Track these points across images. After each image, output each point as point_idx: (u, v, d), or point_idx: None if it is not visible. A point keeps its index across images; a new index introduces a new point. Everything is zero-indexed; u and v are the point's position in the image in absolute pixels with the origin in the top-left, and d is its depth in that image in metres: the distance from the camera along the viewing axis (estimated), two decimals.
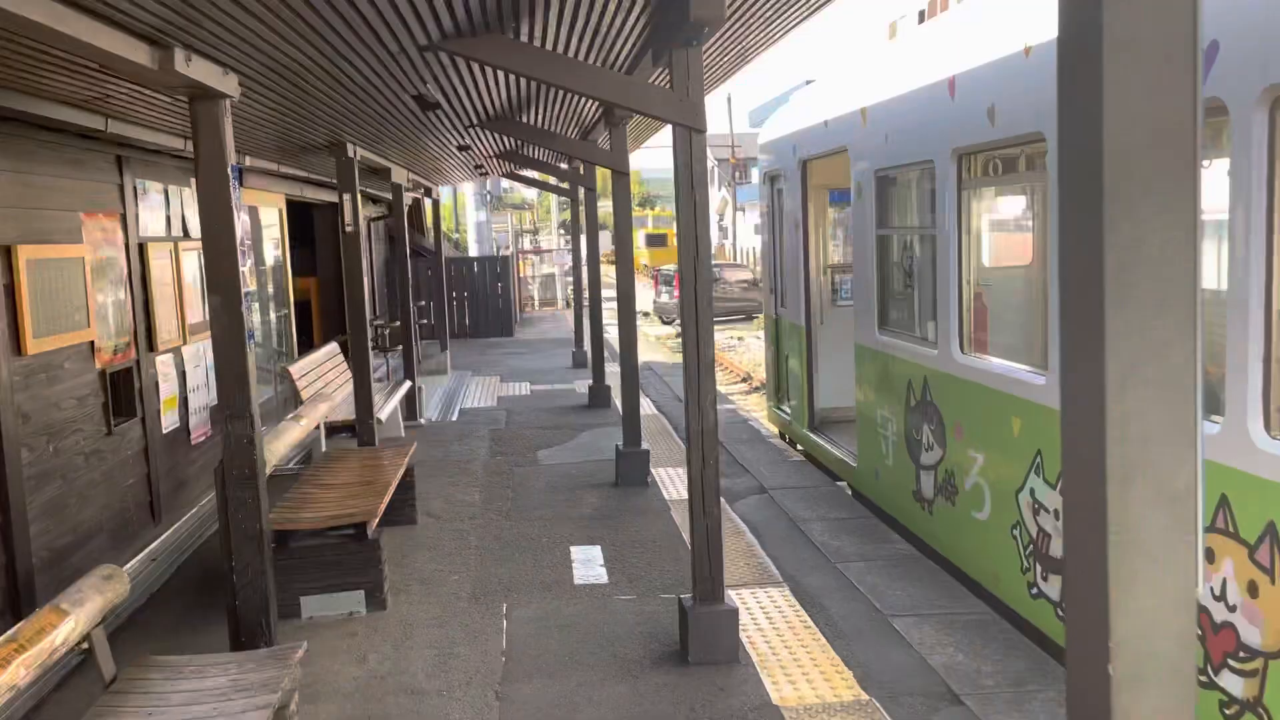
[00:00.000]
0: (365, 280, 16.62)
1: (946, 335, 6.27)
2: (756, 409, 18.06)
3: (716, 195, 72.95)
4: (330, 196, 14.41)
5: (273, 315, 11.16)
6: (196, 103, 4.54)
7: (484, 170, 14.34)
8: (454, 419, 11.88)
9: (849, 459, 8.47)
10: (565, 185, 15.80)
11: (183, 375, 8.15)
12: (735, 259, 60.13)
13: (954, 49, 6.24)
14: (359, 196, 8.03)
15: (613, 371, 13.27)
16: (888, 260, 7.58)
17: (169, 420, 7.81)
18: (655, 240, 59.43)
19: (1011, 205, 6.18)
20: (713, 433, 5.04)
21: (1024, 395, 5.30)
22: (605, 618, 5.66)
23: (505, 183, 28.00)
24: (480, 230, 23.72)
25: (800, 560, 6.55)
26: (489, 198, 23.36)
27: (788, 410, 10.47)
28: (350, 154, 7.93)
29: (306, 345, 16.31)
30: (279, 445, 5.83)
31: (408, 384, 10.99)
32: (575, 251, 16.20)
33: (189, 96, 4.51)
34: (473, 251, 23.62)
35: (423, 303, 16.63)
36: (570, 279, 31.66)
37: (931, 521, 6.65)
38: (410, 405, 11.49)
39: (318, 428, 7.61)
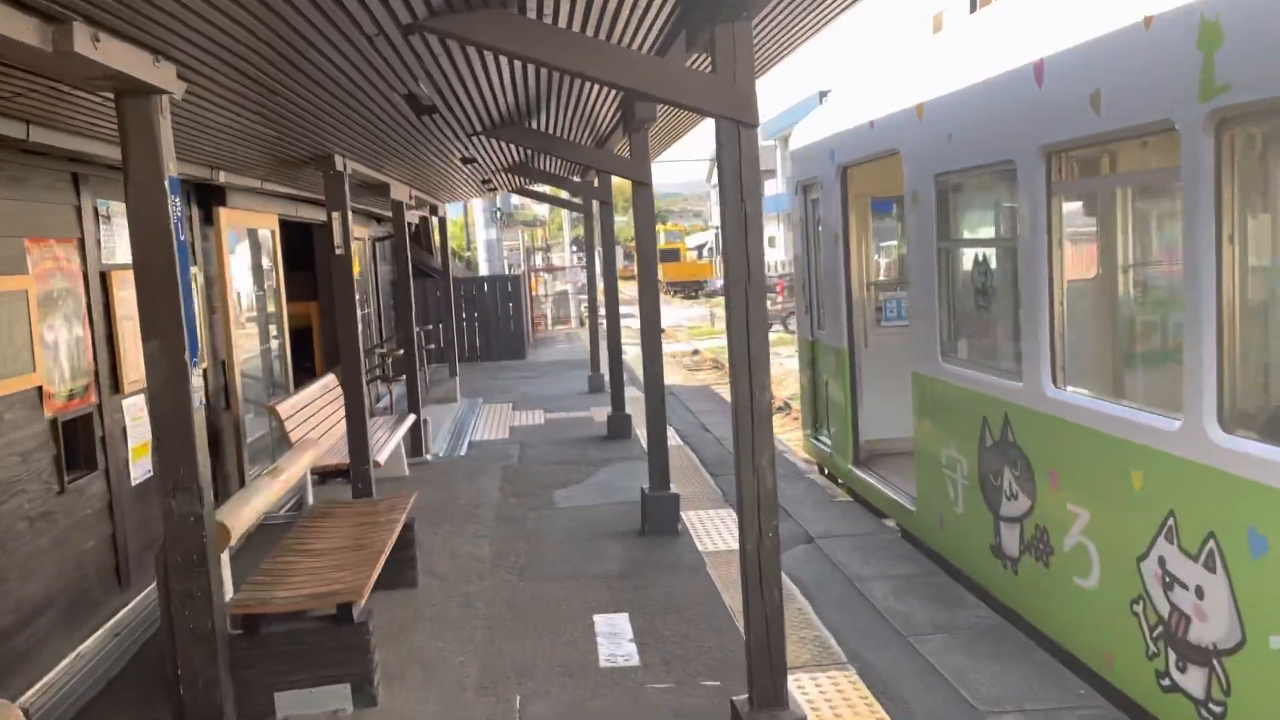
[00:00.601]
0: (372, 302, 15.78)
1: (1034, 365, 5.31)
2: (786, 434, 17.07)
3: None
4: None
5: (267, 344, 10.30)
6: (123, 100, 3.64)
7: (492, 185, 13.47)
8: (463, 454, 10.96)
9: (905, 501, 7.49)
10: (578, 200, 14.92)
11: None
12: None
13: (1039, 29, 5.30)
14: (349, 214, 7.15)
15: (632, 396, 12.34)
16: (951, 277, 6.63)
17: (141, 469, 6.93)
18: (667, 255, 58.48)
19: (1129, 209, 5.22)
20: (771, 499, 4.11)
21: (1150, 443, 4.34)
22: (639, 714, 4.70)
23: (516, 199, 27.20)
24: (490, 248, 22.83)
25: (864, 632, 5.57)
26: (499, 215, 22.49)
27: (827, 441, 9.50)
28: (339, 167, 7.06)
29: (309, 374, 15.47)
30: (246, 511, 4.91)
31: (411, 418, 10.08)
32: (590, 268, 15.30)
33: (114, 92, 3.62)
34: (483, 270, 22.76)
35: (430, 326, 15.74)
36: (584, 296, 30.81)
37: (1017, 584, 5.67)
38: (415, 439, 10.59)
39: (309, 476, 6.71)
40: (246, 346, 9.48)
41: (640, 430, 11.50)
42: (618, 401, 11.37)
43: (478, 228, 22.28)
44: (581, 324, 29.98)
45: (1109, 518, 4.72)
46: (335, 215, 7.06)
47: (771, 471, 4.09)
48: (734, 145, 3.82)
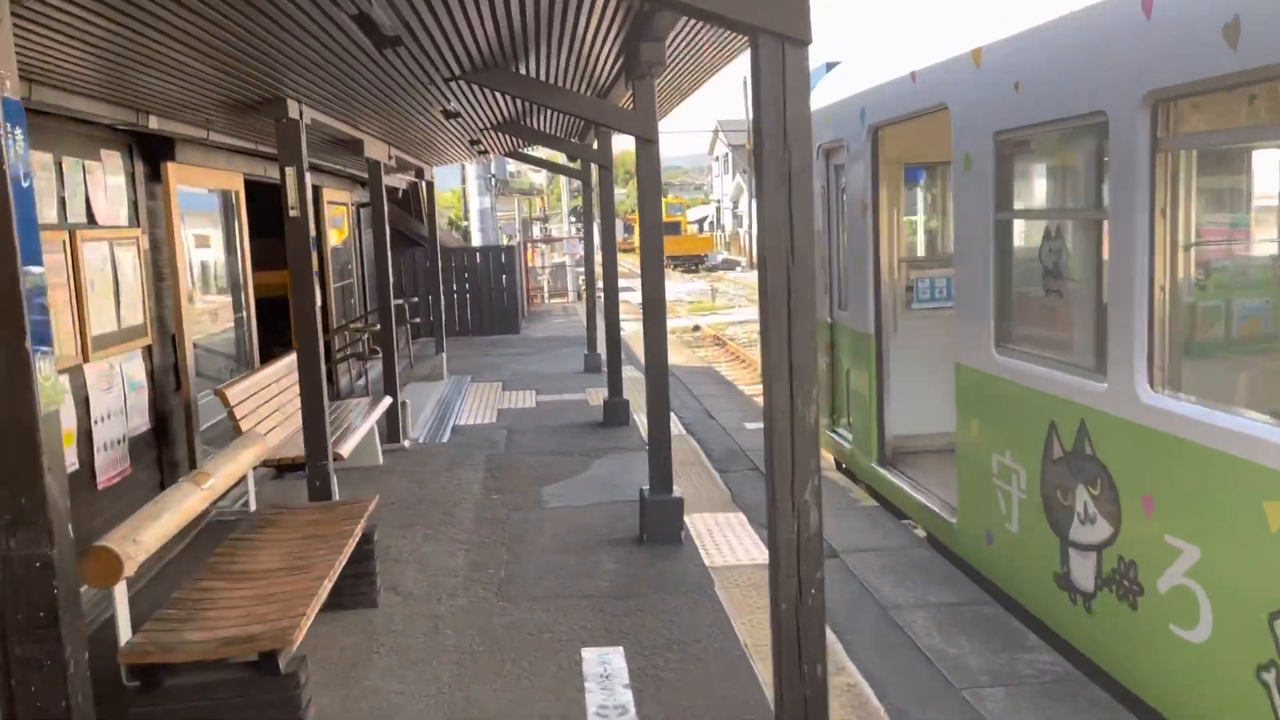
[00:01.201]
0: (355, 272, 14.77)
1: (1125, 363, 4.33)
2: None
3: (731, 183, 70.76)
4: (311, 179, 12.53)
5: (232, 317, 9.31)
6: None
7: (482, 147, 12.42)
8: (445, 440, 10.00)
9: (941, 510, 6.55)
10: (576, 165, 13.88)
11: (86, 402, 6.31)
12: (750, 250, 58.10)
13: None
14: (306, 170, 6.14)
15: (630, 377, 11.36)
16: (1011, 254, 5.64)
17: None
18: (668, 228, 57.37)
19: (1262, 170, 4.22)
20: (815, 545, 3.17)
21: None
22: None
23: (512, 166, 26.06)
24: (484, 218, 21.71)
25: (909, 680, 4.64)
26: (494, 182, 21.38)
27: (846, 435, 8.54)
28: (294, 114, 6.04)
29: (286, 348, 14.49)
30: (150, 534, 3.92)
31: (387, 401, 9.11)
32: (587, 239, 14.28)
33: None
34: (476, 240, 21.70)
35: (415, 299, 14.73)
36: (582, 269, 29.74)
37: (1091, 625, 4.72)
38: (393, 424, 9.62)
39: (251, 477, 5.74)
40: (203, 320, 8.49)
41: (639, 416, 10.54)
42: (615, 384, 10.40)
43: (471, 196, 21.17)
44: (579, 298, 28.96)
45: (1228, 559, 3.77)
46: (289, 171, 6.05)
47: (817, 508, 3.14)
48: (776, 69, 2.83)
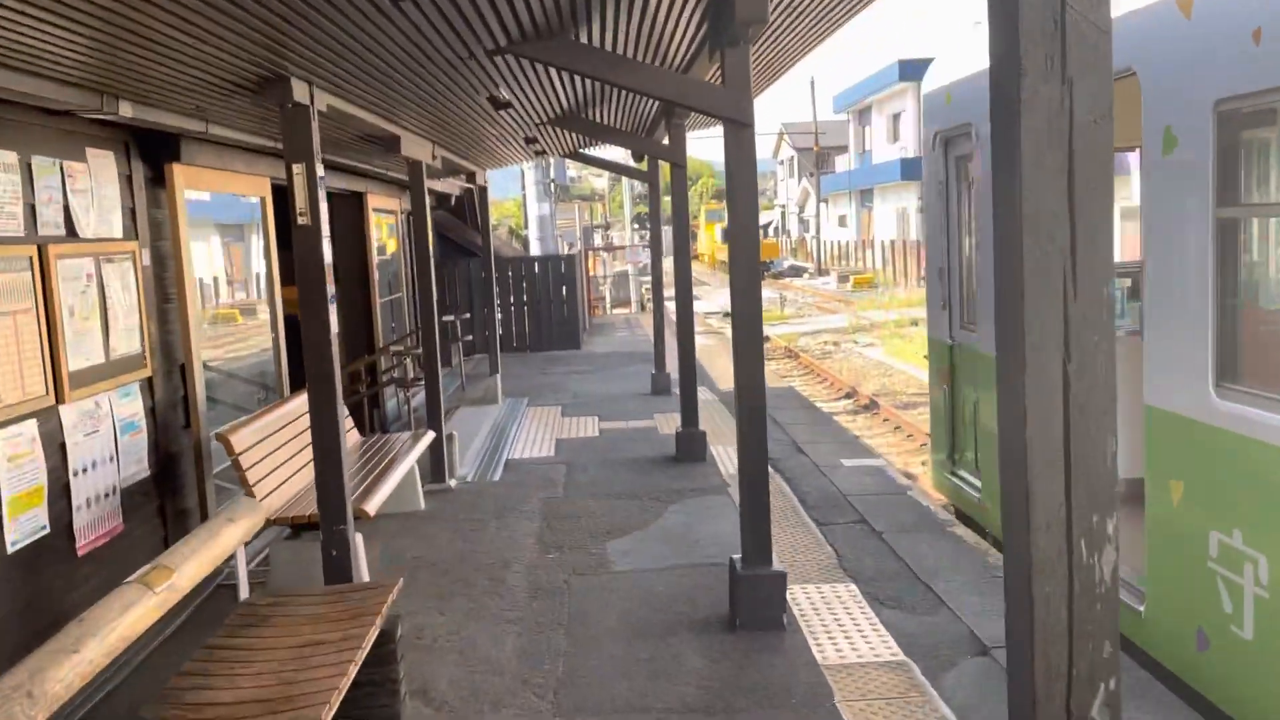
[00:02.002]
0: (404, 286, 13.69)
1: None
2: (878, 438, 14.63)
3: (796, 187, 69.02)
4: (352, 184, 11.49)
5: (255, 341, 8.23)
6: None
7: (540, 147, 11.21)
8: (496, 478, 8.78)
9: (1124, 594, 5.11)
10: (642, 167, 12.61)
11: (62, 450, 5.22)
12: (818, 256, 56.34)
13: None
14: (317, 167, 4.94)
15: (704, 400, 10.04)
16: (1239, 262, 4.21)
17: (24, 527, 4.86)
18: None
19: None
20: None
21: None
22: None
23: (572, 170, 24.91)
24: (543, 225, 20.52)
25: None
26: (553, 188, 20.23)
27: (974, 484, 7.12)
28: (301, 98, 4.85)
29: None
30: (55, 683, 2.70)
31: (429, 437, 7.92)
32: (655, 245, 12.97)
33: None
34: (534, 249, 20.53)
35: (468, 315, 13.59)
36: (646, 278, 28.47)
37: None
38: (438, 459, 8.43)
39: (242, 554, 4.53)
40: (223, 344, 7.40)
41: (716, 450, 9.21)
42: (689, 413, 9.08)
43: (529, 202, 20.03)
44: (643, 308, 27.72)
45: None
46: (297, 169, 4.87)
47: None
48: None
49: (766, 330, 30.52)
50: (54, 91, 4.45)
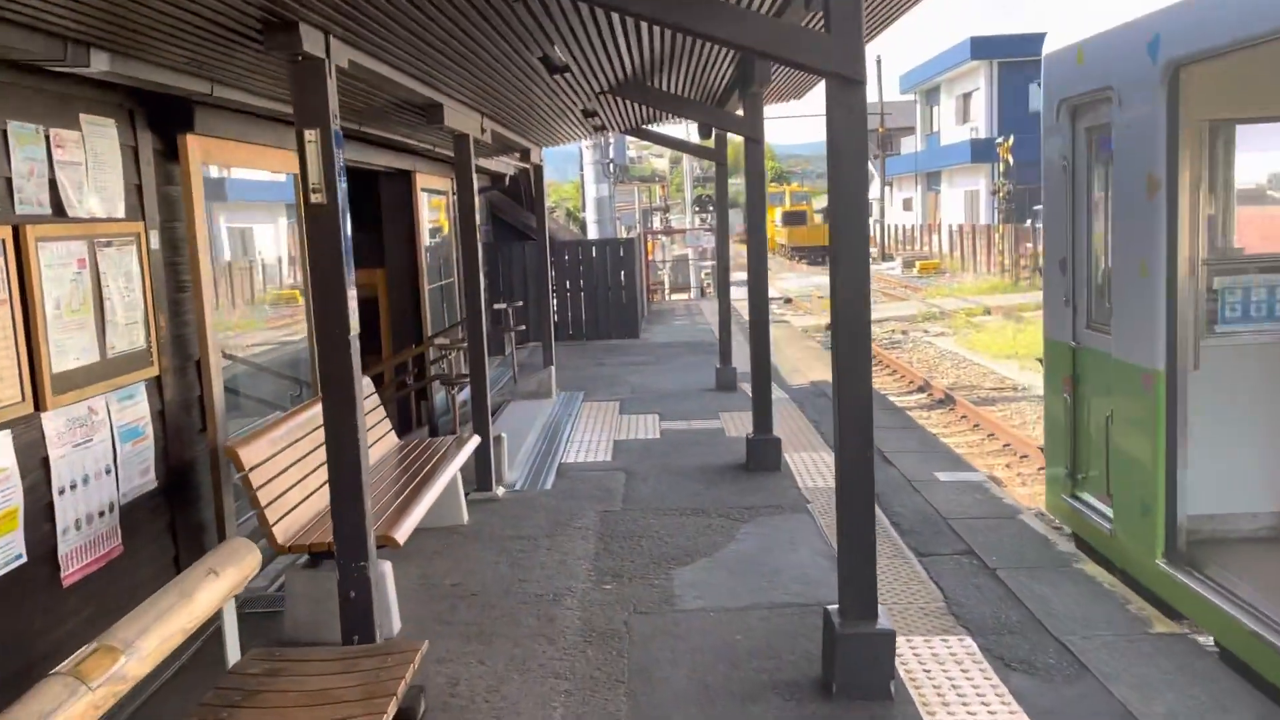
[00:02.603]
0: (457, 271, 12.91)
1: None
2: (957, 436, 13.46)
3: None
4: (398, 161, 10.71)
5: (286, 332, 7.50)
6: None
7: (600, 121, 10.30)
8: (548, 486, 7.94)
9: None
10: (709, 143, 11.63)
11: (44, 465, 4.49)
12: (881, 241, 54.69)
13: None
14: (335, 132, 4.10)
15: (774, 398, 9.07)
16: None
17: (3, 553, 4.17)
18: (794, 218, 54.70)
19: None
20: None
21: None
22: None
23: (632, 150, 23.96)
24: (601, 208, 19.59)
25: None
26: (611, 168, 19.31)
27: (1102, 509, 6.09)
28: (313, 48, 4.00)
29: (374, 363, 12.77)
30: None
31: (473, 443, 7.10)
32: (720, 227, 11.97)
33: None
34: (591, 233, 19.63)
35: (520, 302, 12.75)
36: (706, 264, 27.46)
37: None
38: (484, 465, 7.61)
39: (232, 610, 3.73)
40: (246, 338, 6.66)
41: (792, 459, 8.27)
42: (762, 417, 8.14)
43: (586, 183, 19.15)
44: (703, 294, 26.73)
45: None
46: (309, 135, 4.04)
47: None
48: None
49: (829, 318, 29.30)
50: (16, 39, 3.65)
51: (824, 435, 9.26)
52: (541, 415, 10.54)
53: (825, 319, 28.09)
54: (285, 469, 5.18)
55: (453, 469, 6.45)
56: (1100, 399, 6.00)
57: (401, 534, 4.94)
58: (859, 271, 4.22)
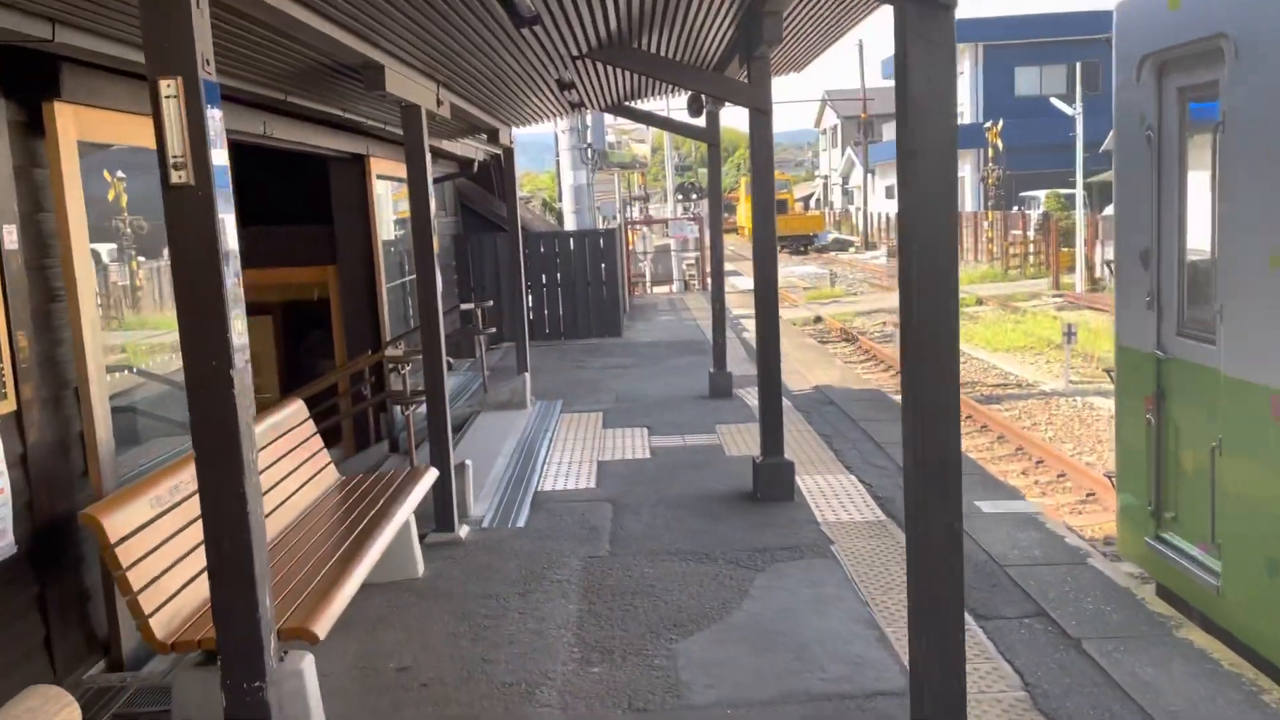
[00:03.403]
0: (380, 279, 11.69)
1: None
2: (965, 439, 12.17)
3: (840, 157, 66.04)
4: (350, 144, 9.45)
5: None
6: None
7: (576, 94, 9.06)
8: (520, 523, 6.73)
9: None
10: (699, 121, 10.41)
11: None
12: (864, 229, 53.64)
13: None
14: (204, 84, 2.88)
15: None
16: None
17: None
18: (775, 206, 53.45)
19: None
20: None
21: None
22: None
23: (611, 135, 22.66)
24: (579, 196, 18.22)
25: None
26: (590, 154, 17.99)
27: (1204, 562, 4.94)
28: None
29: (313, 367, 11.44)
30: None
31: (429, 478, 5.89)
32: (715, 214, 10.77)
33: None
34: (569, 224, 18.33)
35: (490, 302, 11.49)
36: (689, 254, 26.22)
37: None
38: (445, 498, 6.39)
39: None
40: (143, 356, 5.41)
41: (806, 484, 7.11)
42: (772, 436, 6.96)
43: (563, 170, 17.83)
44: (686, 287, 25.53)
45: None
46: (166, 86, 2.81)
47: None
48: None
49: (818, 310, 28.18)
50: None
51: (839, 453, 8.10)
52: (514, 430, 9.33)
53: (813, 312, 26.95)
54: (170, 537, 3.94)
55: (403, 514, 5.23)
56: (1201, 424, 4.86)
57: (323, 625, 3.72)
58: (944, 265, 3.03)
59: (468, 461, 6.82)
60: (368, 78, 5.23)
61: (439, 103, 6.66)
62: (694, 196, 34.24)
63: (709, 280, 25.81)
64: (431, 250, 6.20)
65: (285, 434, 5.40)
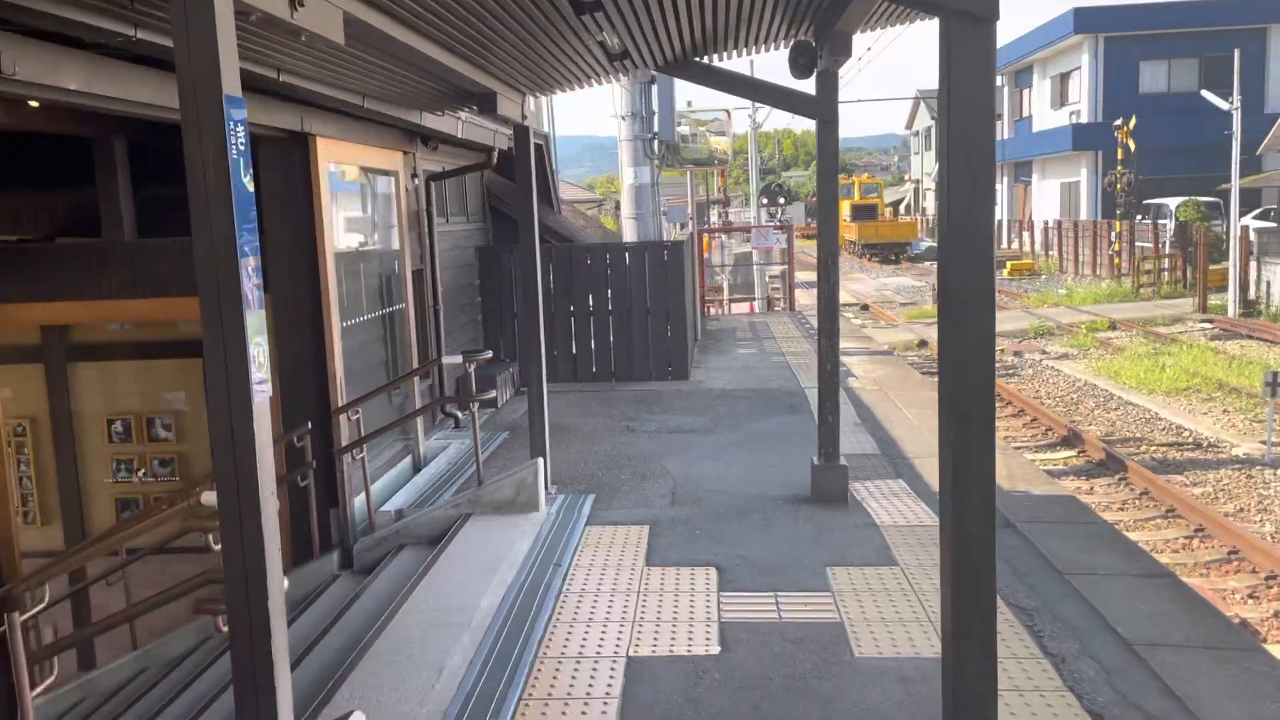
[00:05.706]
0: (417, 299, 8.11)
1: None
2: (1145, 532, 8.31)
3: (934, 161, 61.53)
4: (281, 116, 6.29)
5: None
6: None
7: (620, 47, 5.66)
8: None
9: None
10: (809, 91, 6.93)
11: None
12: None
13: None
14: None
15: (910, 520, 4.42)
16: None
17: None
18: (863, 212, 49.42)
19: None
20: None
21: None
22: None
23: (684, 126, 19.18)
24: (640, 198, 14.59)
25: None
26: (657, 147, 14.49)
27: None
28: None
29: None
30: None
31: None
32: (824, 216, 7.20)
33: None
34: (627, 233, 14.77)
35: (489, 354, 8.10)
36: (775, 267, 22.61)
37: None
38: None
39: None
40: None
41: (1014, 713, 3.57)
42: (964, 620, 3.46)
43: (623, 166, 14.40)
44: (769, 307, 21.96)
45: None
46: None
47: None
48: None
49: (921, 332, 24.25)
50: None
51: (1055, 658, 4.56)
52: (508, 561, 5.97)
53: (916, 335, 23.12)
54: None
55: None
56: None
57: None
58: None
59: (356, 717, 3.46)
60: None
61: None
62: (781, 201, 30.53)
63: (794, 296, 22.28)
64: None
65: None
